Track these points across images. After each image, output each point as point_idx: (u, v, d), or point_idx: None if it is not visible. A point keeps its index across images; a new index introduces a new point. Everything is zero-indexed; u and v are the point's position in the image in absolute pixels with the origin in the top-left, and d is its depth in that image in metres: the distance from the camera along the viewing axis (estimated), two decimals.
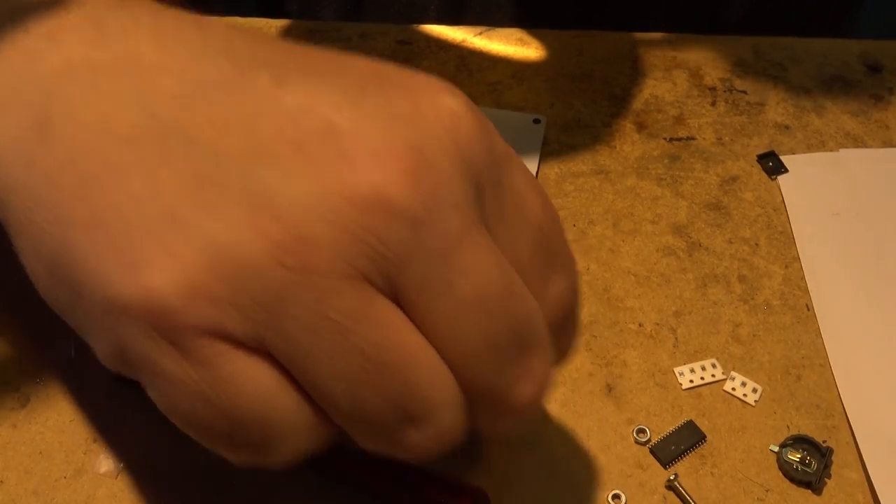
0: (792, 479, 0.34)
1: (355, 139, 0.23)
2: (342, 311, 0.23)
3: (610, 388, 0.37)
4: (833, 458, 0.35)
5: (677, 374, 0.38)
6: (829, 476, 0.35)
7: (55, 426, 0.36)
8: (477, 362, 0.24)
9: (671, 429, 0.36)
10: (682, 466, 0.35)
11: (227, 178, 0.23)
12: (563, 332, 0.28)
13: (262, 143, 0.23)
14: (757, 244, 0.42)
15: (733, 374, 0.37)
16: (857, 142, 0.46)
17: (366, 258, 0.23)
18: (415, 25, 0.52)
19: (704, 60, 0.51)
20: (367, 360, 0.23)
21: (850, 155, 0.45)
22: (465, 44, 0.51)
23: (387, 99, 0.25)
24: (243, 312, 0.22)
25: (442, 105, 0.25)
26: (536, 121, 0.46)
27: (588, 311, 0.40)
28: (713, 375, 0.37)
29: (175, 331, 0.23)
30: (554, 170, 0.45)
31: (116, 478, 0.35)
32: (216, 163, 0.23)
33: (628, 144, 0.46)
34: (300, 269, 0.22)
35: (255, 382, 0.23)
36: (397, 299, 0.24)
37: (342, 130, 0.23)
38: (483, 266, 0.24)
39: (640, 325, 0.39)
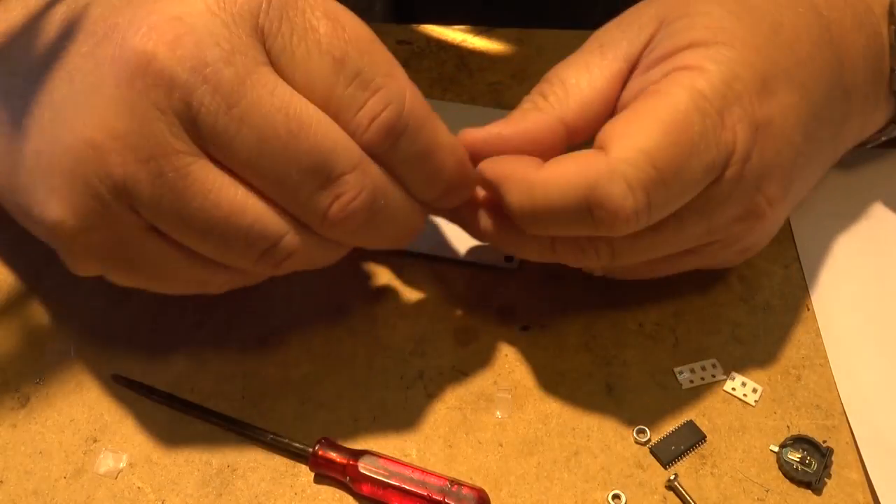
0: (792, 479, 0.34)
1: (126, 31, 0.27)
2: (175, 187, 0.28)
3: (610, 388, 0.37)
4: (833, 458, 0.35)
5: (677, 374, 0.37)
6: (829, 476, 0.35)
7: (55, 426, 0.36)
8: (284, 196, 0.29)
9: (671, 429, 0.36)
10: (682, 466, 0.35)
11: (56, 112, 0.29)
12: (413, 148, 0.30)
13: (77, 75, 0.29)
14: None
15: (733, 374, 0.37)
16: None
17: (166, 132, 0.27)
18: (414, 25, 0.52)
19: None
20: (208, 222, 0.29)
21: (849, 155, 0.45)
22: (465, 44, 0.51)
23: None
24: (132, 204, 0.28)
25: None
26: None
27: (588, 311, 0.40)
28: (713, 375, 0.37)
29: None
30: None
31: (116, 478, 0.35)
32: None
33: None
34: (129, 162, 0.27)
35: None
36: (211, 156, 0.28)
37: (121, 28, 0.28)
38: (260, 113, 0.27)
39: (640, 325, 0.39)
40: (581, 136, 0.34)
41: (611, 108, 0.34)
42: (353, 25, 0.29)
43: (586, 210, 0.30)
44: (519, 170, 0.32)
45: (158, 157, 0.27)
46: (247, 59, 0.27)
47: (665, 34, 0.34)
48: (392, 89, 0.29)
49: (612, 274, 0.37)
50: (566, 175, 0.31)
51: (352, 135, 0.29)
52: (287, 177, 0.28)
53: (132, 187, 0.28)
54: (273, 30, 0.28)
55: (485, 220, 0.35)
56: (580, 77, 0.34)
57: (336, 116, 0.29)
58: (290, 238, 0.30)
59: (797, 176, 0.35)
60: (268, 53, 0.28)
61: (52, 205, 0.29)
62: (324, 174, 0.29)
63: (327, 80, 0.28)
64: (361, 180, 0.29)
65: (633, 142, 0.30)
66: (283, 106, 0.28)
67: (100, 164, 0.28)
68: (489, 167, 0.33)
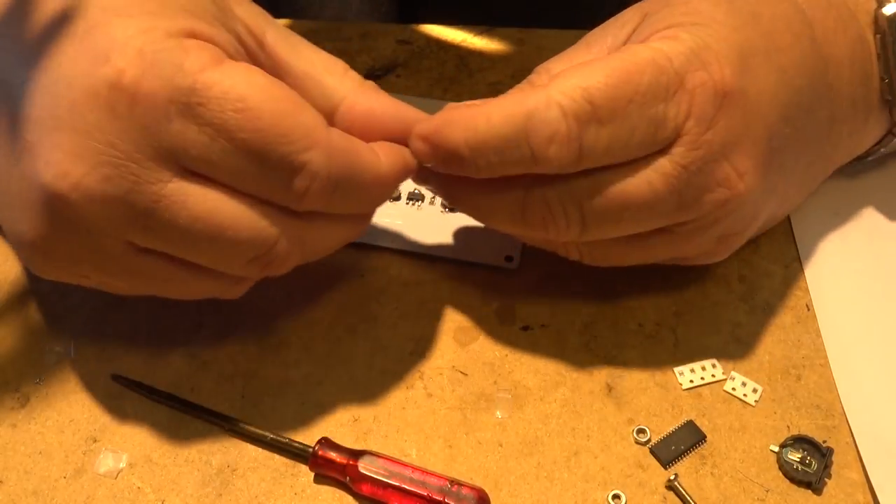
0: (792, 480, 0.34)
1: (36, 159, 0.29)
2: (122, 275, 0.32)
3: (610, 388, 0.37)
4: (833, 458, 0.35)
5: (677, 374, 0.37)
6: (830, 476, 0.35)
7: (55, 426, 0.36)
8: (219, 270, 0.32)
9: (671, 429, 0.36)
10: (682, 466, 0.35)
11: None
12: (344, 194, 0.31)
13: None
14: (757, 244, 0.42)
15: (733, 374, 0.37)
16: None
17: (100, 241, 0.30)
18: (414, 25, 0.52)
19: None
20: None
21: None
22: (465, 44, 0.51)
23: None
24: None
25: (100, 88, 0.28)
26: None
27: (588, 311, 0.40)
28: (713, 375, 0.37)
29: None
30: None
31: (116, 478, 0.35)
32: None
33: None
34: (77, 256, 0.31)
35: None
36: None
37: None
38: (178, 227, 0.29)
39: (640, 325, 0.39)
40: None
41: None
42: (265, 103, 0.29)
43: (524, 138, 0.31)
44: (460, 112, 0.33)
45: (100, 251, 0.30)
46: (152, 185, 0.29)
47: (646, 23, 0.34)
48: (315, 160, 0.30)
49: (587, 258, 0.37)
50: (507, 105, 0.32)
51: (286, 206, 0.31)
52: (219, 263, 0.31)
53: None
54: (179, 144, 0.28)
55: (451, 183, 0.35)
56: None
57: (268, 198, 0.30)
58: (234, 291, 0.34)
59: (776, 162, 0.34)
60: (184, 163, 0.29)
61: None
62: (251, 255, 0.31)
63: (250, 173, 0.29)
64: (288, 249, 0.31)
65: (573, 78, 0.31)
66: (199, 216, 0.29)
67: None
68: (425, 124, 0.34)
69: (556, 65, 0.36)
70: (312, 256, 0.34)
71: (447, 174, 0.35)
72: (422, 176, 0.36)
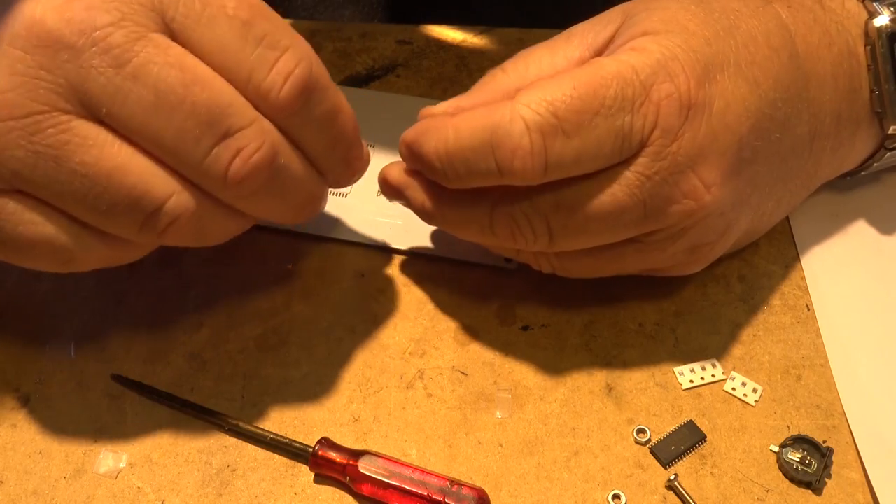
0: (792, 479, 0.34)
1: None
2: (53, 143, 0.28)
3: (610, 388, 0.37)
4: (833, 458, 0.35)
5: (677, 374, 0.37)
6: (830, 476, 0.35)
7: (55, 426, 0.36)
8: (182, 156, 0.29)
9: (671, 429, 0.36)
10: (682, 466, 0.35)
11: None
12: (320, 108, 0.31)
13: None
14: (757, 244, 0.42)
15: (733, 374, 0.37)
16: None
17: (48, 92, 0.28)
18: (414, 25, 0.52)
19: None
20: (88, 179, 0.28)
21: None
22: (465, 44, 0.51)
23: None
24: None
25: None
26: None
27: (588, 311, 0.40)
28: (713, 375, 0.37)
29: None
30: None
31: (116, 478, 0.35)
32: None
33: None
34: (3, 119, 0.28)
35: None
36: (99, 120, 0.28)
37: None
38: (154, 69, 0.28)
39: (640, 325, 0.39)
40: None
41: None
42: None
43: (490, 151, 0.31)
44: (435, 122, 0.33)
45: (37, 113, 0.28)
46: (138, 24, 0.28)
47: (626, 26, 0.35)
48: (300, 48, 0.30)
49: (559, 271, 0.37)
50: (475, 118, 0.32)
51: (266, 94, 0.30)
52: (184, 132, 0.28)
53: (3, 147, 0.28)
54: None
55: (423, 197, 0.36)
56: (543, 57, 0.36)
57: (248, 78, 0.30)
58: (178, 199, 0.30)
59: (747, 173, 0.34)
60: (171, 21, 0.29)
61: None
62: (222, 127, 0.29)
63: (236, 42, 0.29)
64: (261, 134, 0.30)
65: (540, 91, 0.31)
66: (176, 62, 0.28)
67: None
68: (409, 131, 0.35)
69: (533, 52, 0.36)
70: (205, 240, 0.32)
71: (412, 194, 0.36)
72: (392, 193, 0.37)
